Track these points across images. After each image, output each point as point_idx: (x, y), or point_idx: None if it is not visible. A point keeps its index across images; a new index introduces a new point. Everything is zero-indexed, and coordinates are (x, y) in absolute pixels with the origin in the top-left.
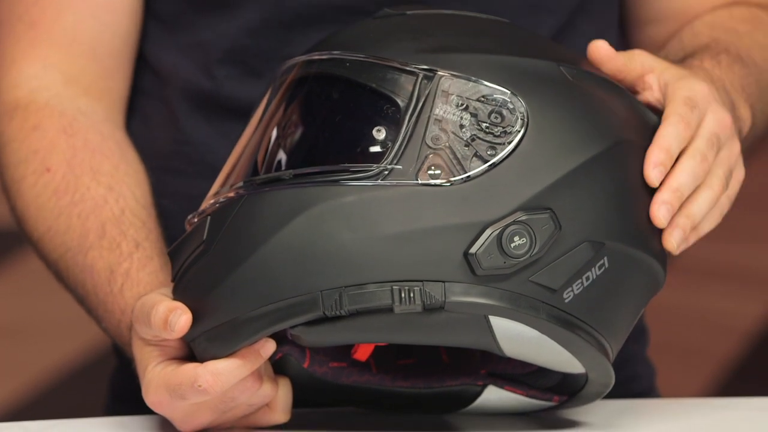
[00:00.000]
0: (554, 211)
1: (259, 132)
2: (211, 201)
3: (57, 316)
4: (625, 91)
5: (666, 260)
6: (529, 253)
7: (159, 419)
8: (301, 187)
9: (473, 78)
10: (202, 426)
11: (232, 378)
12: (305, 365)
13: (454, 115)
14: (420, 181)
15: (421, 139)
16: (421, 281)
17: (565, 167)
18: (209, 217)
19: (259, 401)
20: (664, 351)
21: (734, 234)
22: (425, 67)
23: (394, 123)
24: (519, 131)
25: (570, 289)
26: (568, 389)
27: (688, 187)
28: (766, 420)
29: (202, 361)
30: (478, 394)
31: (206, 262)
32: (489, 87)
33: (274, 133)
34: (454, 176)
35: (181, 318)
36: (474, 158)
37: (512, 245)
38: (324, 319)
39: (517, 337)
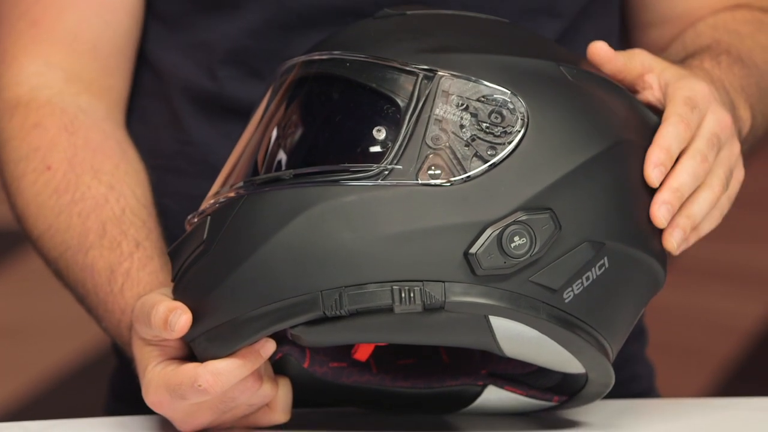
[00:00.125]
0: (554, 211)
1: (260, 132)
2: (211, 201)
3: (57, 316)
4: (625, 91)
5: (666, 260)
6: (529, 253)
7: (159, 419)
8: (301, 187)
9: (473, 78)
10: (202, 426)
11: (232, 378)
12: (305, 365)
13: (454, 115)
14: (420, 181)
15: (422, 139)
16: (421, 281)
17: (565, 167)
18: (209, 217)
19: (259, 401)
20: (663, 351)
21: (734, 234)
22: (425, 67)
23: (394, 123)
24: (519, 131)
25: (570, 289)
26: (568, 389)
27: (689, 187)
28: (766, 420)
29: (202, 361)
30: (478, 394)
31: (206, 262)
32: (489, 87)
33: (275, 133)
34: (455, 176)
35: (181, 318)
36: (474, 158)
37: (512, 245)
38: (324, 319)
39: (517, 337)
